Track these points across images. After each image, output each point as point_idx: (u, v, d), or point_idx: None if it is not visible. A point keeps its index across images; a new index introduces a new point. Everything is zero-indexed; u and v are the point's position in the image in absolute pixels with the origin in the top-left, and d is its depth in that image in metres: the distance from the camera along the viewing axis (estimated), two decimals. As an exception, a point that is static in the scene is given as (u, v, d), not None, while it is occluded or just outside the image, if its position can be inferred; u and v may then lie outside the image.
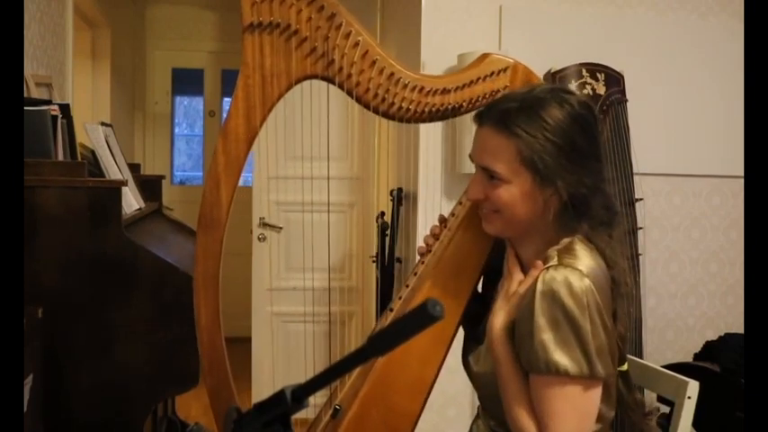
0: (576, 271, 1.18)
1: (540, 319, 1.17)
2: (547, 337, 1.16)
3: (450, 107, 1.45)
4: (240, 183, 1.41)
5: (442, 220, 1.50)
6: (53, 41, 3.01)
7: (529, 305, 1.19)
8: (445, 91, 1.44)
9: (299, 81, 1.40)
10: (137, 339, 1.80)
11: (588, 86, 2.85)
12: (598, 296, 1.18)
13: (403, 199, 3.09)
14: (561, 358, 1.16)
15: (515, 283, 1.29)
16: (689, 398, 1.43)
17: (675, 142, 3.04)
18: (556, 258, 1.21)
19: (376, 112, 1.44)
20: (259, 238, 3.58)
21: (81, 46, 4.15)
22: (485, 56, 1.50)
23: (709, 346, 2.88)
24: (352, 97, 1.42)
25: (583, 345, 1.16)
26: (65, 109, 2.14)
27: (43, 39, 2.85)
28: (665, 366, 2.12)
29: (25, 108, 1.85)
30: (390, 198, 3.13)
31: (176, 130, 5.72)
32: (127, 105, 5.12)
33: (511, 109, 1.25)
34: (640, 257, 2.88)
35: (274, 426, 0.80)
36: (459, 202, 1.52)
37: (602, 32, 2.97)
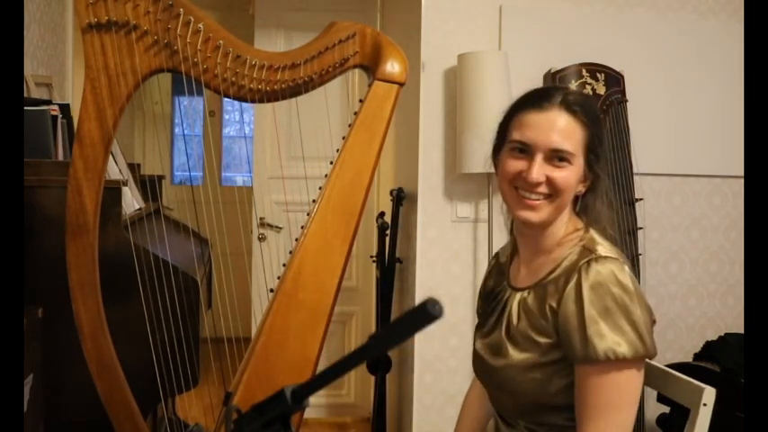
0: (617, 261, 1.24)
1: (592, 311, 1.20)
2: (602, 326, 1.20)
3: (301, 81, 1.44)
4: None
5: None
6: (53, 41, 3.00)
7: (576, 300, 1.22)
8: (294, 65, 1.43)
9: (146, 77, 1.39)
10: (137, 339, 1.80)
11: (588, 86, 2.85)
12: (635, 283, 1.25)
13: (403, 199, 3.09)
14: (617, 344, 1.19)
15: None
16: (704, 405, 1.37)
17: (675, 142, 3.04)
18: (588, 252, 1.26)
19: (228, 96, 1.42)
20: (259, 238, 3.58)
21: (81, 46, 4.14)
22: (332, 24, 1.49)
23: (709, 346, 2.88)
24: (202, 85, 1.41)
25: (635, 326, 1.20)
26: (65, 109, 2.14)
27: (43, 39, 2.84)
28: (665, 366, 2.12)
29: (25, 108, 1.85)
30: (390, 198, 3.13)
31: (176, 130, 5.71)
32: (127, 105, 5.11)
33: (576, 98, 1.32)
34: (640, 257, 2.87)
35: (274, 426, 0.80)
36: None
37: (602, 32, 2.96)
